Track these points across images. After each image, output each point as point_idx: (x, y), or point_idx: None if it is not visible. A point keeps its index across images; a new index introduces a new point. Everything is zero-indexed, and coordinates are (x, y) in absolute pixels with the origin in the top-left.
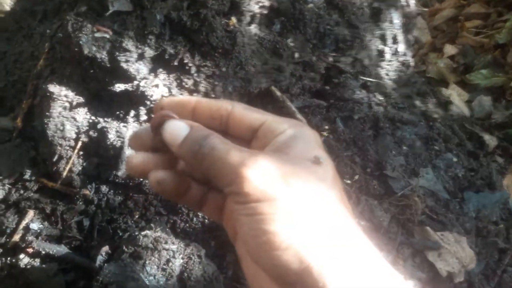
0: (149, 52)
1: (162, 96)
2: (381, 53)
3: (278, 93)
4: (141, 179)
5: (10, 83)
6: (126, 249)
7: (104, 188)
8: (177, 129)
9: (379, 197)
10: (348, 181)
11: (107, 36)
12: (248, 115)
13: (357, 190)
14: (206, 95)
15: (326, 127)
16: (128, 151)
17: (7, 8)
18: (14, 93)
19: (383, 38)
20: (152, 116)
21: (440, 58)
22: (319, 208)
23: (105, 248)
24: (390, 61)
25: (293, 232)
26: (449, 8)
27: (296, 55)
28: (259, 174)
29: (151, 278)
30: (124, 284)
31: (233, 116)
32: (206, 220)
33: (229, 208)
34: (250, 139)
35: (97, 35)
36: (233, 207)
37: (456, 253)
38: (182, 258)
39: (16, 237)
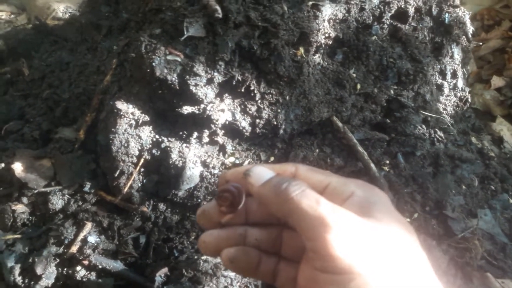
0: (218, 78)
1: (227, 165)
2: (440, 88)
3: (340, 124)
4: (199, 200)
5: (75, 95)
6: (185, 273)
7: (162, 206)
8: (263, 172)
9: (437, 237)
10: (408, 219)
11: (179, 59)
12: (312, 177)
13: (416, 228)
14: (268, 121)
15: (387, 161)
16: (188, 172)
17: (60, 15)
18: (78, 105)
19: (442, 73)
20: (218, 189)
21: (486, 90)
22: (414, 280)
23: (164, 270)
24: (448, 95)
25: None
26: (496, 39)
27: (358, 86)
28: (350, 235)
29: None
30: None
31: (298, 177)
32: None
33: (310, 281)
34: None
35: (169, 57)
36: (318, 278)
37: None
38: (239, 287)
39: (74, 249)
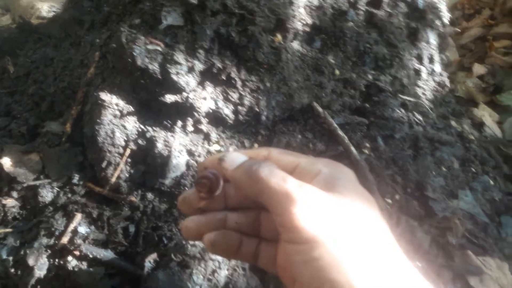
0: (199, 66)
1: (212, 153)
2: (418, 72)
3: (320, 109)
4: (186, 188)
5: (60, 89)
6: (174, 258)
7: (150, 195)
8: (236, 157)
9: (419, 218)
10: (389, 201)
11: (159, 48)
12: (283, 159)
13: (398, 210)
14: (251, 109)
15: (367, 144)
16: (174, 160)
17: (45, 14)
18: (64, 99)
19: (419, 58)
20: (197, 176)
21: (469, 78)
22: (379, 251)
23: (153, 256)
24: (426, 80)
25: (359, 281)
26: (477, 27)
27: (337, 72)
28: (314, 208)
29: (198, 287)
30: None
31: (270, 159)
32: None
33: (282, 254)
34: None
35: (149, 47)
36: (286, 249)
37: (499, 280)
38: (227, 270)
39: (65, 240)
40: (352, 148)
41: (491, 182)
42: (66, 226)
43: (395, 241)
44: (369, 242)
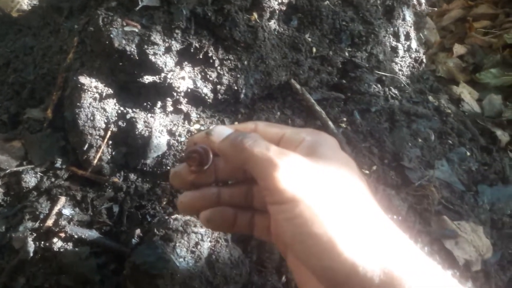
0: (176, 46)
1: (193, 132)
2: (394, 49)
3: (298, 86)
4: (168, 167)
5: (40, 76)
6: (157, 232)
7: (132, 176)
8: (223, 129)
9: (396, 187)
10: (367, 172)
11: (136, 30)
12: (269, 131)
13: (375, 180)
14: (229, 87)
15: (344, 119)
16: (155, 141)
17: (25, 7)
18: (44, 86)
19: (396, 35)
20: (186, 150)
21: (449, 58)
22: (355, 206)
23: (137, 231)
24: (403, 57)
25: (337, 233)
26: (457, 9)
27: (314, 49)
28: (294, 171)
29: (181, 260)
30: (155, 264)
31: (256, 132)
32: None
33: (273, 221)
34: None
35: (126, 29)
36: (271, 211)
37: (473, 242)
38: (210, 242)
39: (49, 222)
40: (330, 123)
41: (468, 153)
42: (51, 209)
43: (372, 197)
44: (346, 198)
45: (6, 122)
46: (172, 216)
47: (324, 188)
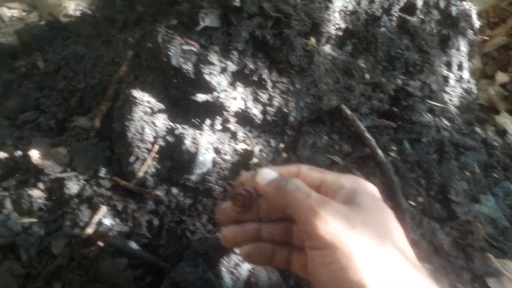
0: (231, 67)
1: (241, 174)
2: (446, 79)
3: (348, 111)
4: (211, 185)
5: (90, 85)
6: (198, 250)
7: (174, 191)
8: (268, 173)
9: (441, 220)
10: (413, 203)
11: (194, 49)
12: (310, 175)
13: (420, 212)
14: (279, 109)
15: (393, 148)
16: (201, 157)
17: (71, 12)
18: (93, 95)
19: (449, 64)
20: (233, 191)
21: (491, 85)
22: (390, 256)
23: (177, 248)
24: (454, 87)
25: (371, 281)
26: (501, 35)
27: (367, 76)
28: (333, 219)
29: (221, 280)
30: (195, 283)
31: (298, 175)
32: None
33: (309, 263)
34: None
35: (185, 47)
36: (310, 255)
37: None
38: (250, 264)
39: (89, 230)
40: (379, 150)
41: None
42: (91, 218)
43: (408, 246)
44: (381, 248)
45: (53, 127)
46: (214, 235)
47: (360, 237)
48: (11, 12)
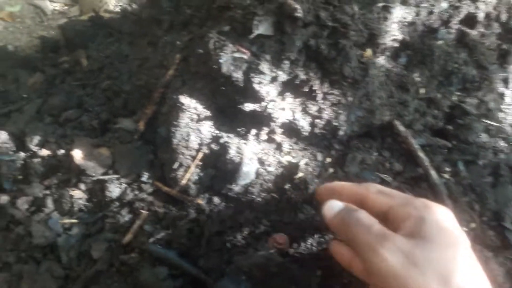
0: (282, 76)
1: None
2: (501, 96)
3: (402, 128)
4: (253, 196)
5: (135, 87)
6: (241, 267)
7: (216, 200)
8: (334, 205)
9: (495, 249)
10: (465, 229)
11: (245, 57)
12: (379, 200)
13: (473, 239)
14: (329, 122)
15: (447, 169)
16: (245, 168)
17: (111, 7)
18: (138, 97)
19: (505, 81)
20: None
21: None
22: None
23: (219, 261)
24: (509, 105)
25: None
26: None
27: (421, 90)
28: (392, 257)
29: None
30: None
31: (367, 200)
32: (314, 247)
33: None
34: (385, 219)
35: (236, 55)
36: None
37: None
38: None
39: (130, 236)
40: (432, 172)
41: None
42: (132, 223)
43: (484, 276)
44: (444, 285)
45: (95, 127)
46: (259, 253)
47: (421, 276)
48: (53, 5)
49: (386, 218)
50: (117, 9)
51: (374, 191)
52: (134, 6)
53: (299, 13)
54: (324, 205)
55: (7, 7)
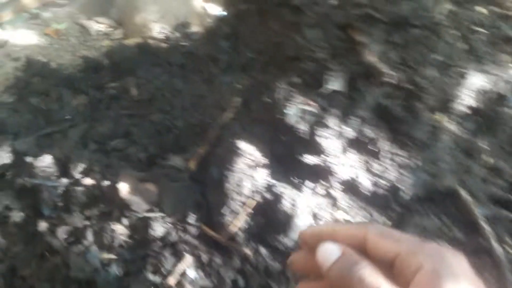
0: (349, 133)
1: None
2: None
3: (466, 196)
4: None
5: (188, 124)
6: None
7: (263, 251)
8: (329, 252)
9: None
10: None
11: (314, 110)
12: (382, 246)
13: None
14: (391, 183)
15: (510, 242)
16: (297, 220)
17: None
18: (190, 135)
19: None
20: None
21: None
22: None
23: None
24: None
25: None
26: None
27: (488, 159)
28: None
29: None
30: None
31: (367, 244)
32: None
33: None
34: (390, 266)
35: (303, 107)
36: None
37: None
38: None
39: (172, 281)
40: (495, 244)
41: None
42: (174, 266)
43: None
44: None
45: (142, 160)
46: None
47: None
48: (99, 26)
49: (391, 265)
50: (161, 36)
51: (375, 233)
52: (177, 34)
53: (386, 78)
54: (318, 249)
55: (54, 24)
